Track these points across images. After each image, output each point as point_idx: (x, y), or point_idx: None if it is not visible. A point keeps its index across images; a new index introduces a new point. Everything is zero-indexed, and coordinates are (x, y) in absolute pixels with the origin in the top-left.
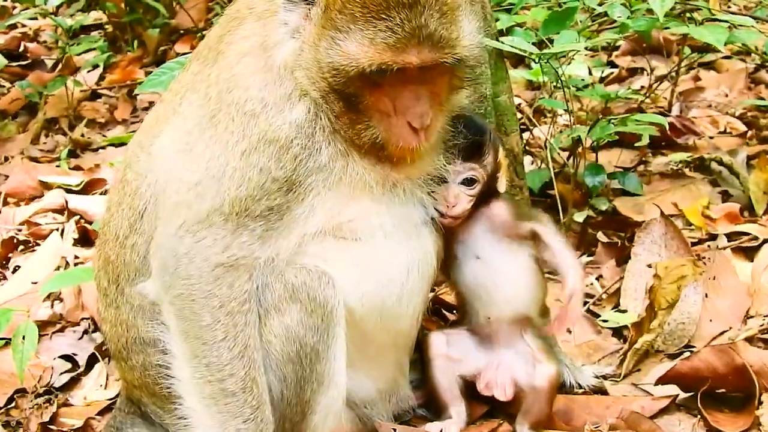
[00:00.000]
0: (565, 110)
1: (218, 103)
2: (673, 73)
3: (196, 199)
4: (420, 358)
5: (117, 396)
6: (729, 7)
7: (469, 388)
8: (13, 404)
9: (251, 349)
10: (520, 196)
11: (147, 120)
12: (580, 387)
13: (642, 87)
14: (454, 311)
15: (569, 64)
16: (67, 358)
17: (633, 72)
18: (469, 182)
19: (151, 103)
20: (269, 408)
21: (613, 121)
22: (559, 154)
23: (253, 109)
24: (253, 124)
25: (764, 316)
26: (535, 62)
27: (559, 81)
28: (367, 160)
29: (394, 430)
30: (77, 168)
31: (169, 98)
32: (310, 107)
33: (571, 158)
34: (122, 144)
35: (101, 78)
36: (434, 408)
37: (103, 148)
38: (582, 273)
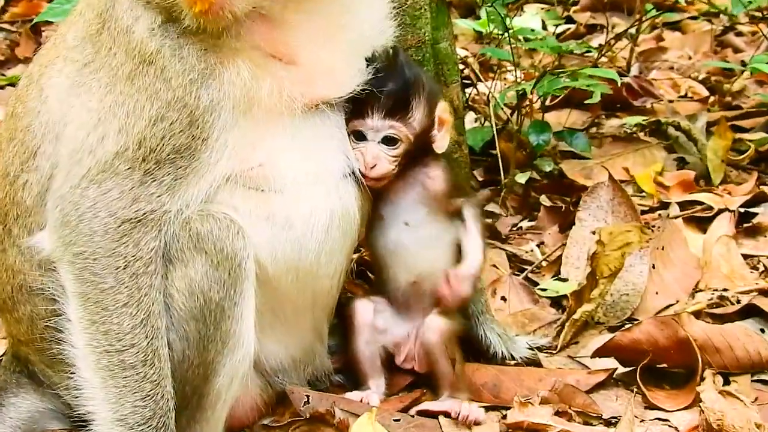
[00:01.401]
0: (510, 62)
1: (100, 23)
2: (633, 31)
3: (99, 144)
4: (341, 324)
5: (3, 354)
6: None
7: (391, 359)
8: None
9: (155, 316)
10: (458, 154)
11: (41, 51)
12: (513, 358)
13: (600, 45)
14: (374, 276)
15: (520, 15)
16: None
17: (592, 29)
18: (390, 141)
19: None
20: (170, 383)
21: (562, 75)
22: (503, 110)
23: (128, 24)
24: (134, 43)
25: (713, 290)
26: (480, 6)
27: (506, 31)
28: (243, 57)
29: (308, 396)
30: None
31: (60, 29)
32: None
33: (515, 114)
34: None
35: (2, 11)
36: (353, 378)
37: (1, 87)
38: (481, 263)
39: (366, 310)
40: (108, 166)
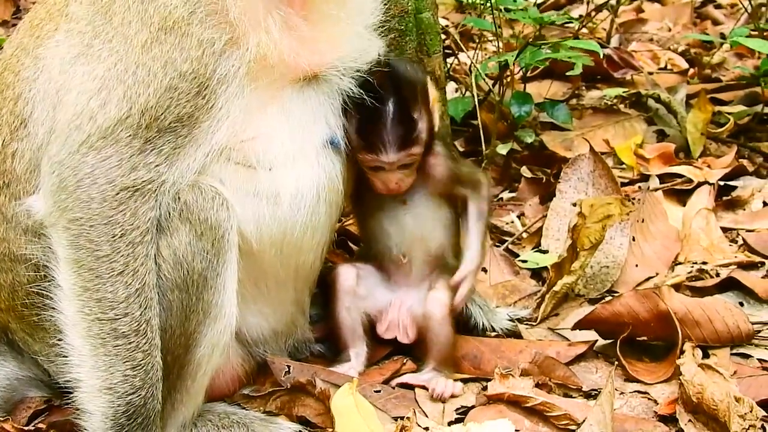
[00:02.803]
0: (492, 32)
1: None
2: (614, 2)
3: (100, 109)
4: (323, 292)
5: None
6: None
7: (373, 327)
8: None
9: (149, 287)
10: (440, 125)
11: (27, 21)
12: (493, 330)
13: (580, 16)
14: (361, 243)
15: None
16: None
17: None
18: (407, 164)
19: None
20: (160, 354)
21: (544, 47)
22: (485, 80)
23: None
24: (151, 9)
25: (693, 263)
26: None
27: (488, 0)
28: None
29: (289, 367)
30: None
31: (51, 3)
32: None
33: (497, 85)
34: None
35: None
36: (333, 346)
37: None
38: (480, 263)
39: (349, 276)
40: (109, 132)
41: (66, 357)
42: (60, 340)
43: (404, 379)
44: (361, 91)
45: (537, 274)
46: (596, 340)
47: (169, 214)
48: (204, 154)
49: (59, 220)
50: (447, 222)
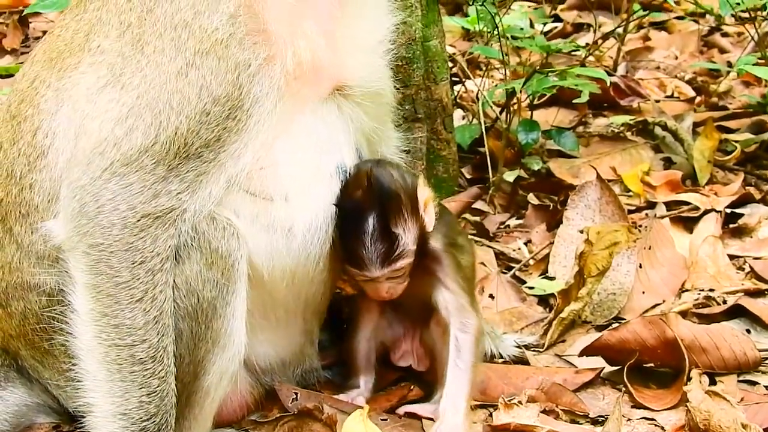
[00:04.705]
0: (500, 60)
1: (141, 26)
2: (620, 30)
3: (126, 137)
4: (331, 319)
5: None
6: None
7: (386, 354)
8: None
9: (166, 314)
10: (446, 151)
11: (43, 53)
12: (500, 356)
13: (587, 44)
14: None
15: (507, 13)
16: None
17: (578, 28)
18: (397, 276)
19: (45, 32)
20: (174, 381)
21: (551, 74)
22: (492, 108)
23: (185, 18)
24: (185, 35)
25: (700, 291)
26: (471, 4)
27: (496, 29)
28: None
29: (296, 393)
30: None
31: (69, 38)
32: None
33: (504, 113)
34: (10, 75)
35: None
36: (341, 372)
37: None
38: (470, 381)
39: (373, 309)
40: (133, 159)
41: (79, 382)
42: (73, 365)
43: (413, 409)
44: (342, 203)
45: (544, 300)
46: (603, 367)
47: (186, 242)
48: (227, 180)
49: (79, 245)
50: None
